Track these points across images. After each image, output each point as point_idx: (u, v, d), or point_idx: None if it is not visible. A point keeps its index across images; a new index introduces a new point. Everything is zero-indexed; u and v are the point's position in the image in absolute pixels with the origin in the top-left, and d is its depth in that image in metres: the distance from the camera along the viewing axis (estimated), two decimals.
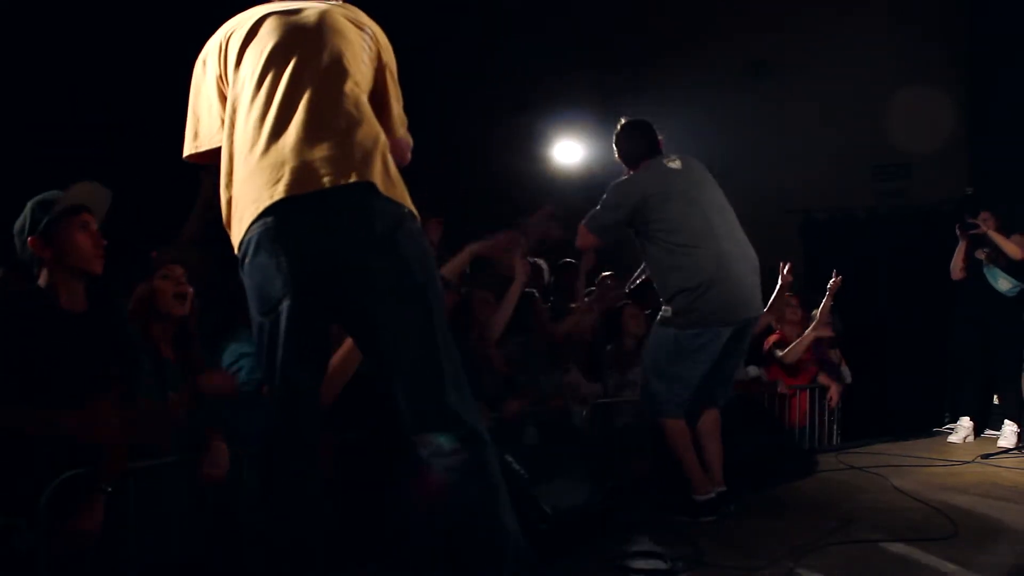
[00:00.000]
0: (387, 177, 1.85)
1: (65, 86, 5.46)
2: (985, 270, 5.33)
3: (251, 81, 1.92)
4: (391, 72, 2.10)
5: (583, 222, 3.49)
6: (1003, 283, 5.26)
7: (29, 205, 2.31)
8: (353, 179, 1.77)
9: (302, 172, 1.78)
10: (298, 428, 1.91)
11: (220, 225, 2.00)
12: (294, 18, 1.99)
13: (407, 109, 2.17)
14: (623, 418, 4.21)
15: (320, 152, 1.79)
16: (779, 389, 4.88)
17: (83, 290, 2.30)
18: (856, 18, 7.08)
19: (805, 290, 5.84)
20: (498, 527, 1.76)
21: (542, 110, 7.76)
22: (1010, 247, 5.12)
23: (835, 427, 5.35)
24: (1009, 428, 5.08)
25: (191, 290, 2.72)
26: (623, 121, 3.60)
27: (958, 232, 5.43)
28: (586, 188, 7.89)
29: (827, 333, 5.17)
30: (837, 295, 5.19)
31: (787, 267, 4.67)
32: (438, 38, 7.35)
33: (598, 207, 3.48)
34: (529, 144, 7.94)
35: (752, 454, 3.90)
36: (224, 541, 2.59)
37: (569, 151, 8.01)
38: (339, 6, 2.08)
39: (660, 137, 3.55)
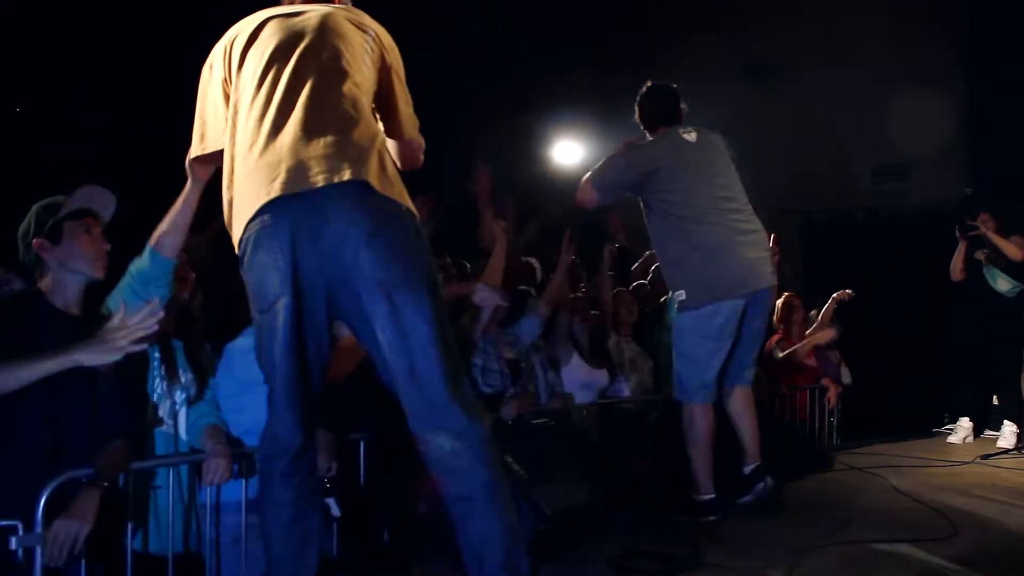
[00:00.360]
0: (383, 175, 1.85)
1: (66, 86, 5.47)
2: (985, 271, 5.33)
3: (252, 83, 1.93)
4: (397, 74, 2.10)
5: (586, 176, 3.45)
6: (1002, 283, 5.27)
7: (34, 209, 2.32)
8: (347, 177, 1.78)
9: (297, 170, 1.79)
10: (297, 427, 1.91)
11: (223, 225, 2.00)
12: (295, 20, 2.00)
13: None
14: (622, 418, 4.21)
15: (315, 151, 1.81)
16: (780, 390, 4.88)
17: (82, 293, 2.31)
18: (856, 18, 7.09)
19: (805, 290, 5.85)
20: (498, 524, 1.76)
21: (542, 111, 7.77)
22: (1010, 248, 5.13)
23: (835, 427, 5.35)
24: (1008, 429, 5.08)
25: (192, 275, 2.72)
26: (649, 83, 3.60)
27: (957, 233, 5.43)
28: None
29: (825, 339, 5.16)
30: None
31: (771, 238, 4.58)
32: (438, 38, 7.36)
33: (604, 163, 3.44)
34: (529, 145, 7.95)
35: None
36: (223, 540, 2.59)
37: (569, 152, 8.01)
38: (342, 9, 2.09)
39: (683, 107, 3.55)
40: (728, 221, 3.31)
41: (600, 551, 2.86)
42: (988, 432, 5.42)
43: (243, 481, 2.56)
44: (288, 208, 1.79)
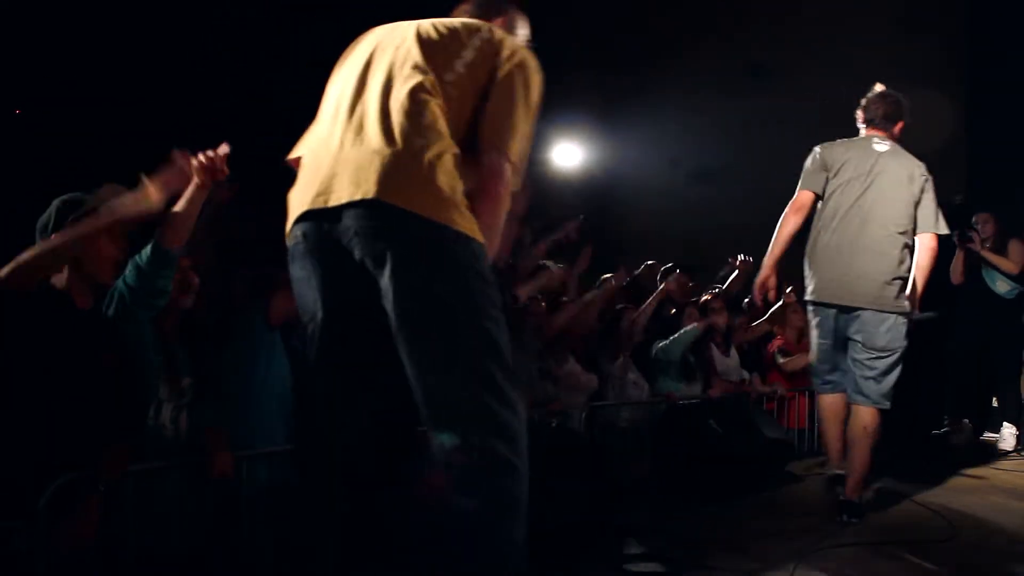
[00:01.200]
0: (428, 192, 1.68)
1: (73, 86, 5.47)
2: (984, 273, 5.33)
3: (331, 92, 1.91)
4: (508, 85, 1.88)
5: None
6: (1001, 285, 5.27)
7: (55, 204, 2.30)
8: (372, 195, 1.66)
9: (329, 184, 1.73)
10: (322, 435, 1.88)
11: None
12: (391, 30, 1.93)
13: None
14: (622, 419, 4.20)
15: (352, 163, 1.72)
16: (778, 391, 4.87)
17: (94, 291, 2.33)
18: (856, 19, 7.09)
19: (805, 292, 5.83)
20: (500, 542, 1.70)
21: (541, 112, 7.75)
22: (1005, 263, 5.15)
23: None
24: (1008, 431, 5.08)
25: (197, 281, 2.72)
26: (880, 87, 3.70)
27: (956, 241, 5.43)
28: (584, 192, 7.90)
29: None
30: None
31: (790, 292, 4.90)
32: None
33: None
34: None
35: (752, 456, 3.90)
36: (224, 540, 2.60)
37: (568, 154, 8.00)
38: (443, 21, 1.93)
39: (898, 123, 3.60)
40: (861, 232, 3.35)
41: (599, 554, 2.87)
42: (988, 434, 5.42)
43: (242, 480, 2.56)
44: (317, 224, 1.75)
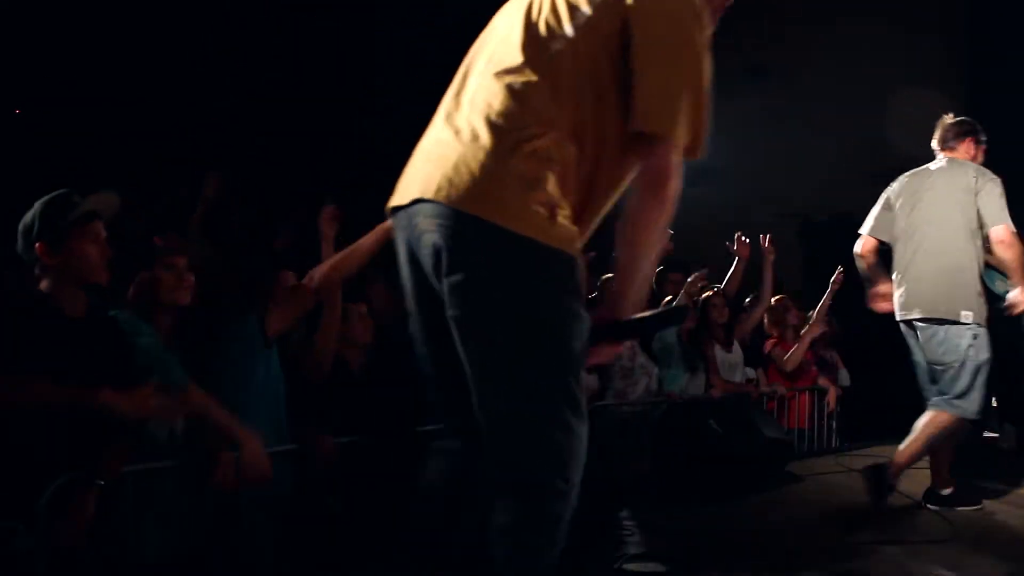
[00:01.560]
0: (501, 195, 1.51)
1: (73, 86, 5.48)
2: (984, 272, 5.33)
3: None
4: (644, 46, 1.54)
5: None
6: (1000, 284, 5.26)
7: (39, 205, 2.24)
8: (432, 195, 1.54)
9: (410, 179, 1.66)
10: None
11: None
12: (509, 6, 1.78)
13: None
14: (623, 412, 4.21)
15: (423, 160, 1.65)
16: (779, 391, 4.88)
17: (84, 296, 2.29)
18: (857, 19, 7.10)
19: (804, 292, 5.85)
20: (535, 563, 1.68)
21: None
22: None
23: (834, 429, 5.35)
24: (1008, 430, 5.08)
25: (192, 279, 2.72)
26: (953, 116, 3.69)
27: None
28: None
29: (820, 329, 5.17)
30: (836, 296, 5.18)
31: (767, 239, 5.00)
32: (438, 38, 7.35)
33: None
34: None
35: (752, 456, 3.90)
36: (223, 540, 2.60)
37: None
38: None
39: (965, 140, 3.61)
40: (911, 248, 3.45)
41: (598, 554, 2.87)
42: (987, 434, 5.42)
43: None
44: (399, 220, 1.68)
